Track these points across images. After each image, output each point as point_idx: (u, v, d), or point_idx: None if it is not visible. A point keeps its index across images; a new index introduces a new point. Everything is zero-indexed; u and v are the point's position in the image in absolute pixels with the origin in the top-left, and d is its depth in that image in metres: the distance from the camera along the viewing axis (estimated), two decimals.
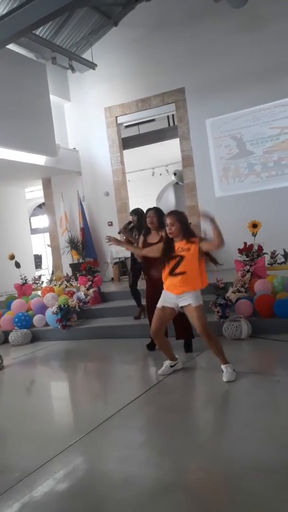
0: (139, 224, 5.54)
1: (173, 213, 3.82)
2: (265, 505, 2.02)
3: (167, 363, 4.08)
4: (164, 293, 3.84)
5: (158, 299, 3.91)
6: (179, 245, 3.74)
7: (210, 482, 2.30)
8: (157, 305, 3.88)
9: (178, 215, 3.79)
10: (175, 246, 3.77)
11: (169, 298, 3.80)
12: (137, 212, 5.79)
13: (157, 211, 4.76)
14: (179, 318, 4.04)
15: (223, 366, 3.73)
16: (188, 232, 3.76)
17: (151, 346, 5.00)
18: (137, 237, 5.28)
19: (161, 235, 4.57)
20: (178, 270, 3.68)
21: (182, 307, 3.75)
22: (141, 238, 4.84)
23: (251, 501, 2.05)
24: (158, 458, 2.62)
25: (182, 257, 3.69)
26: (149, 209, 4.86)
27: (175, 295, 3.74)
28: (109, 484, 2.39)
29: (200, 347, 4.55)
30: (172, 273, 3.71)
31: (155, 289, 4.56)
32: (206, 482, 2.31)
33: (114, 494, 2.28)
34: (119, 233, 5.75)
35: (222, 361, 3.75)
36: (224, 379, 3.66)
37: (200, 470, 2.41)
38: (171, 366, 4.07)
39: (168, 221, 3.75)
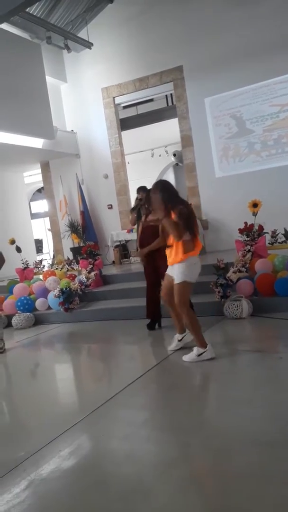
0: (149, 201, 5.51)
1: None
2: (266, 478, 2.06)
3: (176, 337, 4.14)
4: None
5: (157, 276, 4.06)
6: None
7: (211, 458, 2.34)
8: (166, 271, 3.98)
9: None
10: None
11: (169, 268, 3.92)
12: (145, 189, 5.74)
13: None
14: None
15: (194, 348, 3.73)
16: (166, 206, 3.74)
17: (151, 326, 5.05)
18: (144, 215, 5.22)
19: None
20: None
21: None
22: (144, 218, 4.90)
23: (252, 474, 2.08)
24: (160, 435, 2.67)
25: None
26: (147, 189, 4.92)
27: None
28: (113, 461, 2.44)
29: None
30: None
31: (155, 265, 4.72)
32: (207, 457, 2.35)
33: (118, 470, 2.32)
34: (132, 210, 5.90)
35: (197, 343, 3.72)
36: (184, 358, 3.74)
37: (201, 446, 2.44)
38: (179, 340, 4.13)
39: None
